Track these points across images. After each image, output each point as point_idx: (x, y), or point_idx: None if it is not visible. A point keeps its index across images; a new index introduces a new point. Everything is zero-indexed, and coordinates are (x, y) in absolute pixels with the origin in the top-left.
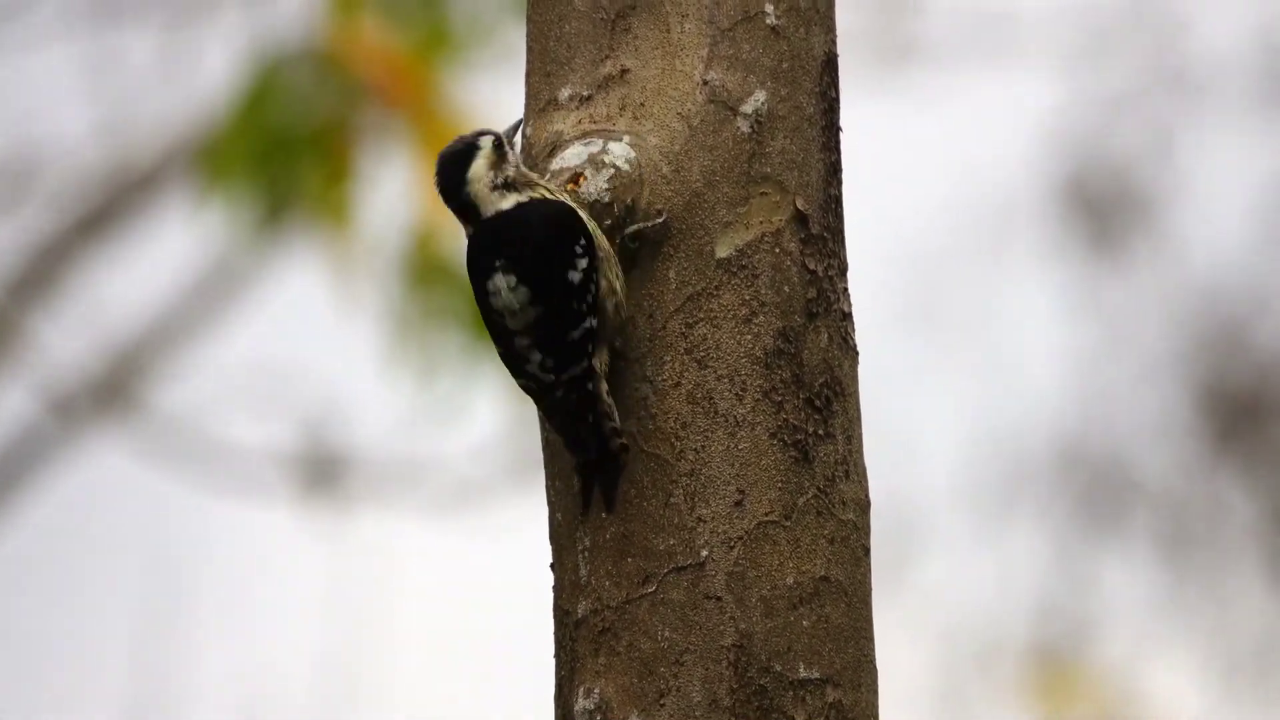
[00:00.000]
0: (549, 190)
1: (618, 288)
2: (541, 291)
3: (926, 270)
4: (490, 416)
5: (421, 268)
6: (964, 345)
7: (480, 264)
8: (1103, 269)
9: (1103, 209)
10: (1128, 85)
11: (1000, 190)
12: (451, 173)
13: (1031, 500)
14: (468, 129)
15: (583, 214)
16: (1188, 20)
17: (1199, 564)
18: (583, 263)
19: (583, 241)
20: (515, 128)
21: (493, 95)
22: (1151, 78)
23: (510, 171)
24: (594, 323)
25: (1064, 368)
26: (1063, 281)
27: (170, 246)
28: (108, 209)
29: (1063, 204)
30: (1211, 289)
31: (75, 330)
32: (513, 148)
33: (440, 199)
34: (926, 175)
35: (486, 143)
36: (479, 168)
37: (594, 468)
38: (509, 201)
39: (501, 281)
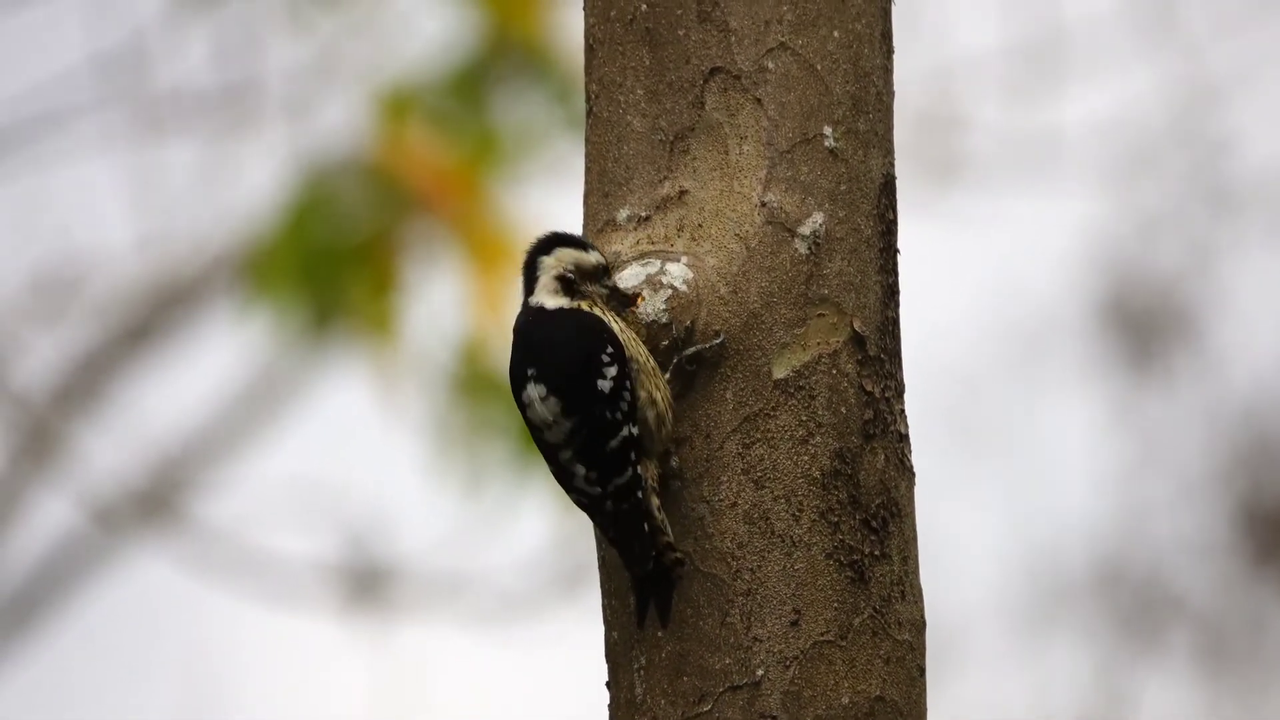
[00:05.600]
0: (600, 307)
1: (658, 399)
2: (572, 402)
3: (967, 386)
4: (536, 529)
5: (468, 379)
6: (1004, 461)
7: (516, 374)
8: (1143, 386)
9: (1143, 326)
10: (1168, 203)
11: (1041, 307)
12: (545, 240)
13: (1071, 616)
14: (516, 239)
15: (616, 325)
16: (1227, 138)
17: (1238, 679)
18: (611, 371)
19: (609, 350)
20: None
21: (542, 206)
22: (1192, 195)
23: (584, 286)
24: (633, 431)
25: (1104, 484)
26: (1103, 398)
27: (214, 358)
28: (151, 321)
29: (1103, 321)
30: (1251, 405)
31: (119, 441)
32: (610, 278)
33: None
34: (967, 292)
35: (593, 255)
36: (564, 254)
37: (649, 583)
38: (554, 302)
39: (534, 392)
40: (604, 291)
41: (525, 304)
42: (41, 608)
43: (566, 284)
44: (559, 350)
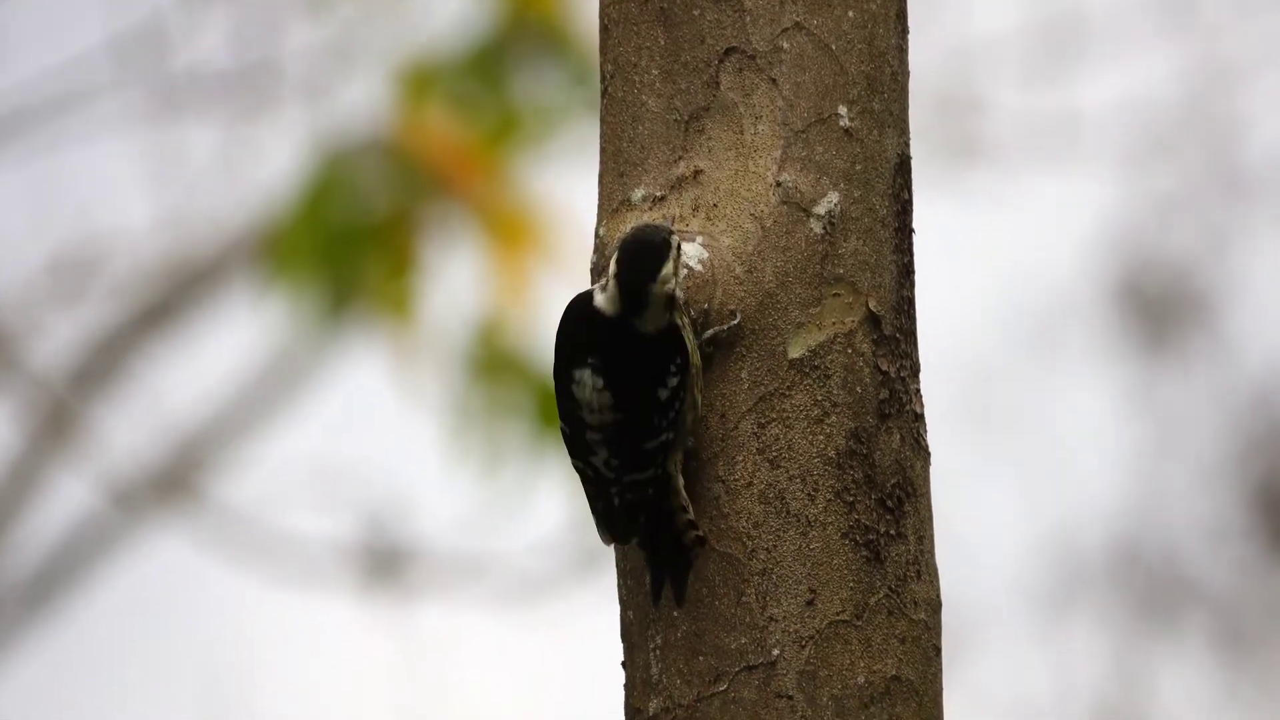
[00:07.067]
0: (684, 316)
1: (699, 401)
2: (626, 403)
3: (982, 370)
4: (554, 509)
5: (486, 360)
6: (1019, 445)
7: (572, 349)
8: (1159, 369)
9: (1159, 309)
10: (1185, 186)
11: (1056, 289)
12: (648, 262)
13: (1088, 599)
14: (535, 219)
15: (687, 332)
16: (1245, 122)
17: (1255, 663)
18: (673, 381)
19: (678, 360)
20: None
21: (561, 185)
22: (1209, 179)
23: (679, 288)
24: (670, 437)
25: (1120, 467)
26: (1118, 382)
27: (232, 339)
28: (170, 301)
29: (1119, 304)
30: (1267, 389)
31: (137, 422)
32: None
33: (621, 277)
34: (982, 275)
35: (675, 241)
36: (669, 270)
37: (665, 561)
38: (662, 323)
39: (589, 379)
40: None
41: (625, 320)
42: (60, 589)
43: (671, 302)
44: (634, 358)
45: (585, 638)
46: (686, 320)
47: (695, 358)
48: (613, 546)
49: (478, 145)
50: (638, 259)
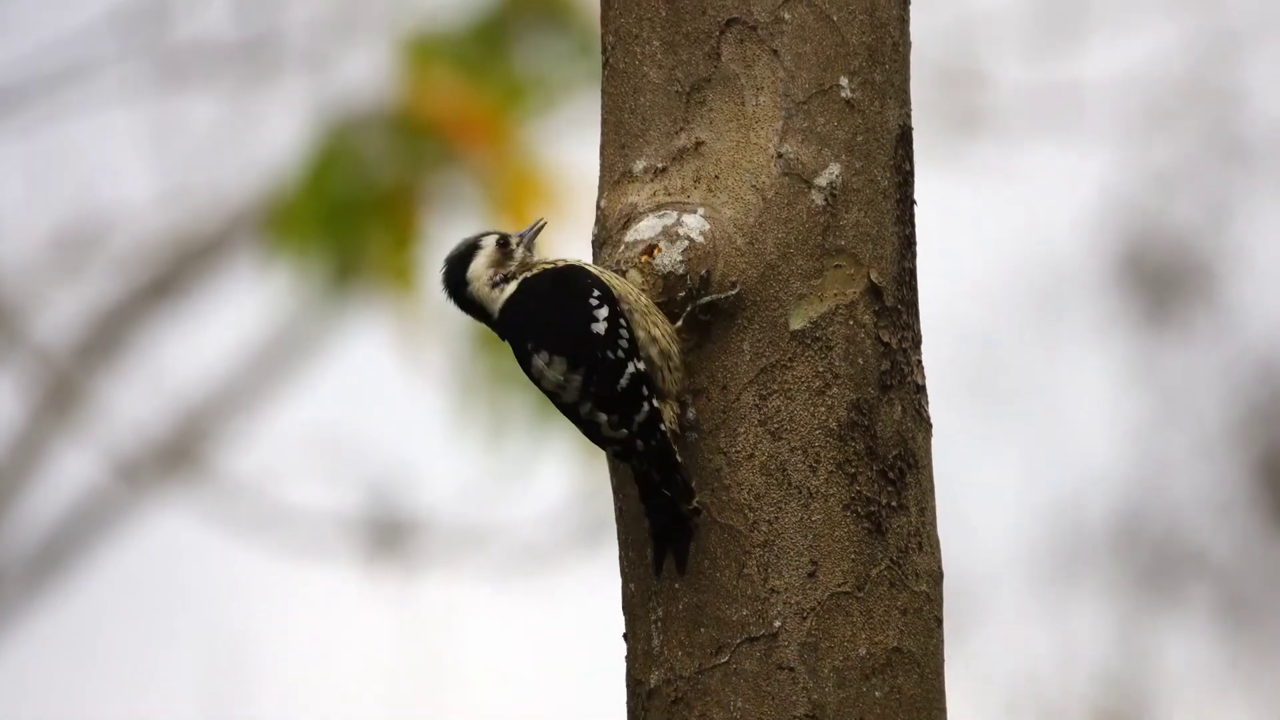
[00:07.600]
0: (550, 263)
1: (658, 335)
2: (574, 353)
3: (984, 341)
4: (557, 481)
5: (489, 331)
6: (1022, 416)
7: (520, 354)
8: (1161, 341)
9: (1160, 281)
10: (1187, 157)
11: (1059, 261)
12: (453, 273)
13: (1092, 570)
14: (541, 186)
15: (595, 269)
16: (1246, 92)
17: (1258, 633)
18: (602, 312)
19: (596, 293)
20: (535, 229)
21: (567, 154)
22: (1210, 150)
23: (511, 267)
24: (639, 366)
25: (1122, 439)
26: (1120, 353)
27: (236, 312)
28: (173, 274)
29: (1121, 276)
30: (1269, 359)
31: (142, 395)
32: (524, 245)
33: (448, 302)
34: (984, 246)
35: (489, 242)
36: (478, 266)
37: (667, 531)
38: (510, 289)
39: (539, 361)
40: (527, 254)
41: (494, 320)
42: (65, 562)
43: (505, 279)
44: (547, 310)
45: (587, 610)
46: (594, 266)
47: (625, 290)
48: (615, 525)
49: (483, 113)
50: (446, 278)
